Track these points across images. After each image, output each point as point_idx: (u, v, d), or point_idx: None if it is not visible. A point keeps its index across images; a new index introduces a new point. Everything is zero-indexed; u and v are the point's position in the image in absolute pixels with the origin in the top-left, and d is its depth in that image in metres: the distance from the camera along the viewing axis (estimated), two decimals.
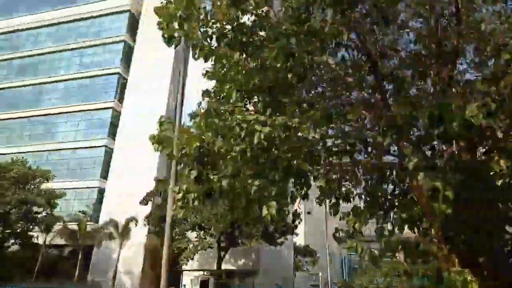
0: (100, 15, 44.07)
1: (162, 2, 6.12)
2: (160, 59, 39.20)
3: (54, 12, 46.05)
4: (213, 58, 6.31)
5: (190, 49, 6.41)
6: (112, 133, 38.77)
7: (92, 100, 40.40)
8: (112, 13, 44.11)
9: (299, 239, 40.54)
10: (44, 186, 30.34)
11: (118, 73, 41.01)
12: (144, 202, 27.11)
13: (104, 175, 36.92)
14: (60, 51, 44.22)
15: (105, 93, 40.64)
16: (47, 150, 39.74)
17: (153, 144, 8.22)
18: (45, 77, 43.30)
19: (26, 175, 29.13)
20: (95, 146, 38.17)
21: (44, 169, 31.12)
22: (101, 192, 36.27)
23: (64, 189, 33.55)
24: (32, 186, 29.81)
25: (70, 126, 40.20)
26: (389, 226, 6.07)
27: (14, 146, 40.56)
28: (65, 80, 42.51)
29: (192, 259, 26.17)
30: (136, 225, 28.34)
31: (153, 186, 33.07)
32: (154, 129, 8.03)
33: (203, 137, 6.06)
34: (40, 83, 43.48)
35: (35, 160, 38.99)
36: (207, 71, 6.98)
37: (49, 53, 44.44)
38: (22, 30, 46.48)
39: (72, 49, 43.68)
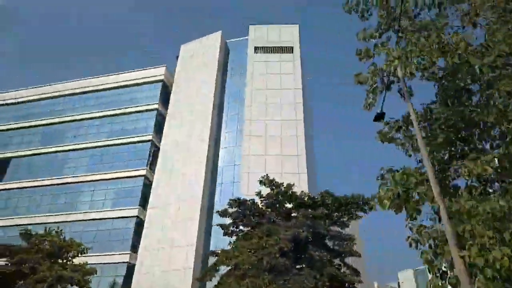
0: (136, 84, 44.39)
1: None
2: (192, 131, 39.00)
3: (90, 80, 46.35)
4: None
5: None
6: (144, 203, 36.62)
7: (122, 168, 38.84)
8: (146, 83, 44.54)
9: None
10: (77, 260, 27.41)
11: (150, 140, 40.05)
12: (205, 278, 24.11)
13: (134, 249, 34.02)
14: (92, 118, 43.60)
15: (137, 161, 39.24)
16: (71, 221, 36.97)
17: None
18: (72, 143, 42.08)
19: (61, 247, 26.36)
20: (125, 217, 35.68)
21: (77, 241, 28.32)
22: (131, 268, 33.05)
23: (89, 264, 30.53)
24: (65, 260, 26.87)
25: (97, 195, 37.97)
26: None
27: (35, 216, 37.87)
28: (94, 147, 41.25)
29: None
30: None
31: (192, 263, 30.45)
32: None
33: None
34: (64, 150, 42.09)
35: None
36: None
37: (82, 119, 43.77)
38: (58, 97, 46.27)
39: (105, 116, 43.12)
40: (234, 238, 25.76)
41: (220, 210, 24.92)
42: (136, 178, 37.81)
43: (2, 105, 47.93)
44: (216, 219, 33.23)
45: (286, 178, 33.46)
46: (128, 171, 38.25)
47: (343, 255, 22.05)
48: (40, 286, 23.28)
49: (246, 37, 45.67)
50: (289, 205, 23.79)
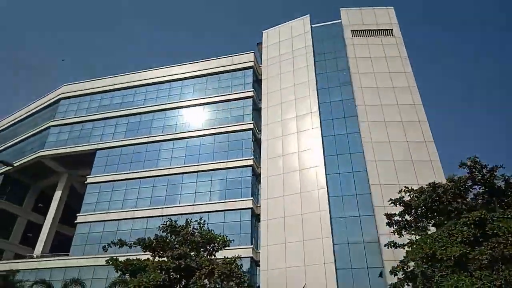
0: (227, 71, 42.16)
1: None
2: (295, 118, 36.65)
3: (176, 67, 44.14)
4: None
5: None
6: (254, 194, 34.26)
7: (223, 158, 36.54)
8: (237, 69, 42.29)
9: None
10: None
11: (251, 129, 37.69)
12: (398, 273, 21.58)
13: (253, 243, 31.64)
14: (181, 107, 41.36)
15: (237, 150, 36.90)
16: (172, 215, 34.61)
17: None
18: (164, 134, 39.83)
19: (210, 239, 24.05)
20: (238, 209, 33.30)
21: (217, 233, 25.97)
22: (253, 263, 30.69)
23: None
24: (207, 253, 24.59)
25: (201, 187, 35.63)
26: None
27: (134, 209, 35.67)
28: (188, 137, 38.98)
29: None
30: None
31: (332, 256, 28.00)
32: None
33: None
34: (155, 141, 39.86)
35: (157, 225, 34.33)
36: None
37: (172, 108, 41.57)
38: (148, 84, 44.09)
39: (197, 104, 40.89)
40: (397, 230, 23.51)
41: (393, 198, 22.41)
42: (243, 168, 35.44)
43: (82, 95, 45.83)
44: (338, 210, 31.05)
45: (419, 166, 31.37)
46: (233, 161, 35.91)
47: None
48: (209, 281, 21.03)
49: (336, 21, 43.35)
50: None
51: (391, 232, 24.61)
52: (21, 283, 29.77)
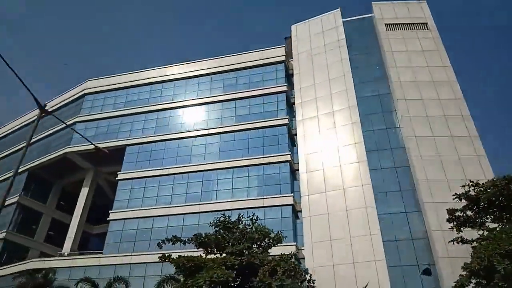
0: (258, 65, 41.42)
1: None
2: (332, 114, 35.89)
3: (208, 61, 43.37)
4: None
5: None
6: (293, 190, 33.50)
7: (259, 154, 35.76)
8: (268, 64, 41.53)
9: None
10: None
11: (286, 124, 36.93)
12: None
13: (295, 240, 30.87)
14: (212, 102, 40.58)
15: (273, 146, 36.12)
16: (210, 211, 33.93)
17: None
18: (200, 129, 39.04)
19: (265, 235, 23.22)
20: (277, 205, 32.53)
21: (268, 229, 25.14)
22: (298, 261, 29.89)
23: None
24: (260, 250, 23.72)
25: (238, 183, 34.85)
26: None
27: (169, 206, 34.91)
28: (221, 132, 38.21)
29: None
30: None
31: (382, 254, 27.26)
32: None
33: None
34: (187, 137, 39.06)
35: (193, 222, 33.71)
36: None
37: (202, 104, 40.79)
38: (172, 80, 43.30)
39: (229, 99, 40.09)
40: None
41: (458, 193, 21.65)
42: (280, 164, 34.67)
43: (107, 90, 45.02)
44: (382, 206, 30.27)
45: (465, 161, 30.62)
46: (270, 156, 35.14)
47: None
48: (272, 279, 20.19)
49: (367, 15, 42.71)
50: None
51: (450, 228, 23.95)
52: (58, 280, 29.03)
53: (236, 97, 40.16)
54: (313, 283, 21.23)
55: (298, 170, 34.62)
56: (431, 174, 30.00)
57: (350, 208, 30.32)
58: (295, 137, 36.96)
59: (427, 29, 39.32)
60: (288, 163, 34.52)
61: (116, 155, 41.15)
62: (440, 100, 34.11)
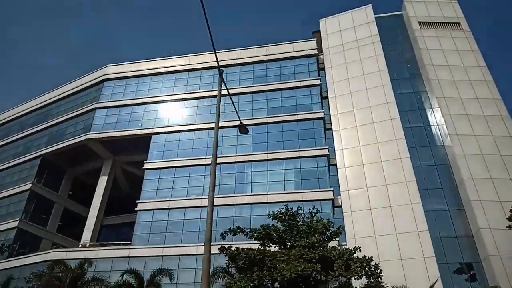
0: (289, 57, 40.61)
1: None
2: (370, 109, 35.52)
3: (237, 52, 42.21)
4: None
5: None
6: (331, 185, 32.84)
7: (293, 147, 34.99)
8: (299, 57, 40.78)
9: None
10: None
11: (321, 118, 36.29)
12: None
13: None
14: (243, 93, 39.52)
15: (308, 140, 35.42)
16: (245, 204, 33.03)
17: None
18: (231, 120, 37.87)
19: (326, 227, 22.42)
20: (315, 200, 31.76)
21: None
22: None
23: None
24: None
25: (274, 176, 33.97)
26: None
27: (201, 197, 33.71)
28: (254, 124, 37.15)
29: None
30: None
31: (432, 252, 26.92)
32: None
33: None
34: (223, 127, 37.80)
35: (227, 214, 32.72)
36: None
37: (232, 94, 39.54)
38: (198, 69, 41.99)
39: (260, 91, 39.16)
40: None
41: None
42: (318, 158, 33.99)
43: (128, 77, 43.33)
44: (424, 203, 29.95)
45: (508, 161, 30.63)
46: (306, 150, 34.42)
47: None
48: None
49: (398, 12, 42.65)
50: None
51: (508, 227, 23.81)
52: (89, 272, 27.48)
53: (267, 89, 39.26)
54: (381, 279, 20.45)
55: (335, 164, 33.98)
56: (476, 172, 29.86)
57: (394, 204, 29.90)
58: (329, 131, 36.28)
59: (460, 29, 39.37)
60: (326, 157, 33.86)
61: (138, 144, 39.85)
62: (478, 99, 34.10)
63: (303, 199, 31.88)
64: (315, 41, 41.69)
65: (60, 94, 46.88)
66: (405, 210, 29.27)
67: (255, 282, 19.70)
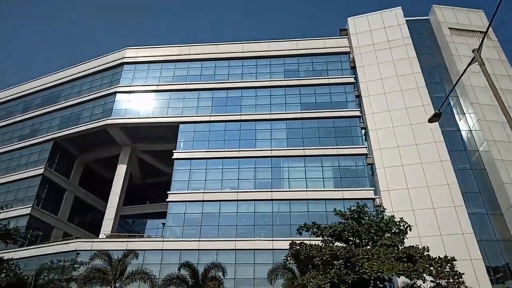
0: (320, 54, 40.13)
1: None
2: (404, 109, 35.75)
3: (268, 43, 41.15)
4: None
5: None
6: (369, 185, 32.76)
7: (330, 144, 34.64)
8: (330, 53, 40.40)
9: None
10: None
11: (358, 116, 36.13)
12: None
13: None
14: (274, 86, 38.66)
15: (345, 138, 35.17)
16: (284, 199, 32.33)
17: None
18: (263, 113, 36.99)
19: (399, 226, 22.16)
20: (356, 198, 31.47)
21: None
22: None
23: None
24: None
25: (312, 173, 33.42)
26: None
27: (237, 191, 32.69)
28: (288, 119, 36.51)
29: None
30: None
31: (478, 254, 27.31)
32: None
33: None
34: (248, 120, 36.90)
35: (263, 210, 32.01)
36: None
37: (264, 87, 38.67)
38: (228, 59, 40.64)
39: (292, 85, 38.40)
40: None
41: None
42: (356, 157, 33.80)
43: (150, 62, 41.40)
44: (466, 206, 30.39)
45: None
46: (345, 148, 34.12)
47: None
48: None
49: (425, 17, 43.23)
50: None
51: None
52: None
53: (300, 83, 38.63)
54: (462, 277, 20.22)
55: (370, 164, 33.90)
56: None
57: (437, 206, 30.13)
58: (364, 130, 36.17)
59: (488, 38, 40.27)
60: (365, 156, 33.71)
61: (157, 132, 38.33)
62: (511, 108, 34.95)
63: (344, 197, 31.61)
64: (346, 39, 41.47)
65: (72, 74, 44.12)
66: (449, 212, 29.55)
67: (335, 279, 19.22)
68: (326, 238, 21.69)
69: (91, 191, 43.29)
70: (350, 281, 18.44)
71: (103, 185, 44.26)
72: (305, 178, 33.06)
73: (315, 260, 20.11)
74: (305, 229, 21.36)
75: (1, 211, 25.63)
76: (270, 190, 32.54)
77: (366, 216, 22.76)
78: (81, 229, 40.72)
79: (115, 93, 39.79)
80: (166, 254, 30.12)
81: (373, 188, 31.93)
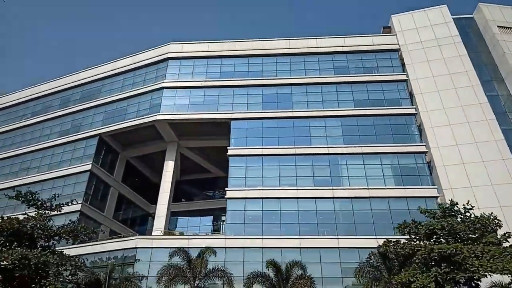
0: (369, 51, 39.79)
1: None
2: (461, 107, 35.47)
3: (316, 40, 40.77)
4: None
5: None
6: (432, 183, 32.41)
7: (387, 142, 34.31)
8: (380, 51, 40.07)
9: None
10: None
11: (413, 114, 35.80)
12: None
13: None
14: (324, 83, 38.26)
15: (399, 135, 34.84)
16: (345, 197, 31.95)
17: None
18: (316, 110, 36.58)
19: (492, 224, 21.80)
20: (419, 197, 31.21)
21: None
22: None
23: None
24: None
25: (371, 170, 33.06)
26: None
27: (297, 188, 32.28)
28: (343, 116, 36.15)
29: None
30: None
31: None
32: None
33: None
34: (302, 117, 36.47)
35: (324, 208, 31.61)
36: None
37: (314, 83, 38.26)
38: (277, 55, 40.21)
39: (344, 82, 38.03)
40: None
41: None
42: (416, 155, 33.49)
43: (196, 57, 40.86)
44: None
45: None
46: (403, 145, 33.80)
47: None
48: None
49: (469, 15, 43.00)
50: None
51: None
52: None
53: (352, 80, 38.23)
54: None
55: (430, 161, 33.57)
56: None
57: (504, 204, 29.85)
58: (419, 127, 35.84)
59: None
60: (424, 154, 33.40)
61: (206, 128, 37.89)
62: None
63: (407, 196, 31.29)
64: (394, 36, 41.10)
65: (115, 69, 43.43)
66: None
67: (438, 277, 18.89)
68: (420, 236, 21.40)
69: (133, 188, 42.69)
70: (461, 281, 18.12)
71: (143, 182, 43.80)
72: (365, 176, 32.66)
73: (415, 258, 19.79)
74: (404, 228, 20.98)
75: (63, 205, 24.97)
76: (330, 187, 32.15)
77: (459, 214, 22.51)
78: (125, 227, 40.17)
79: (162, 88, 39.20)
80: (229, 252, 29.63)
81: (436, 187, 31.57)
